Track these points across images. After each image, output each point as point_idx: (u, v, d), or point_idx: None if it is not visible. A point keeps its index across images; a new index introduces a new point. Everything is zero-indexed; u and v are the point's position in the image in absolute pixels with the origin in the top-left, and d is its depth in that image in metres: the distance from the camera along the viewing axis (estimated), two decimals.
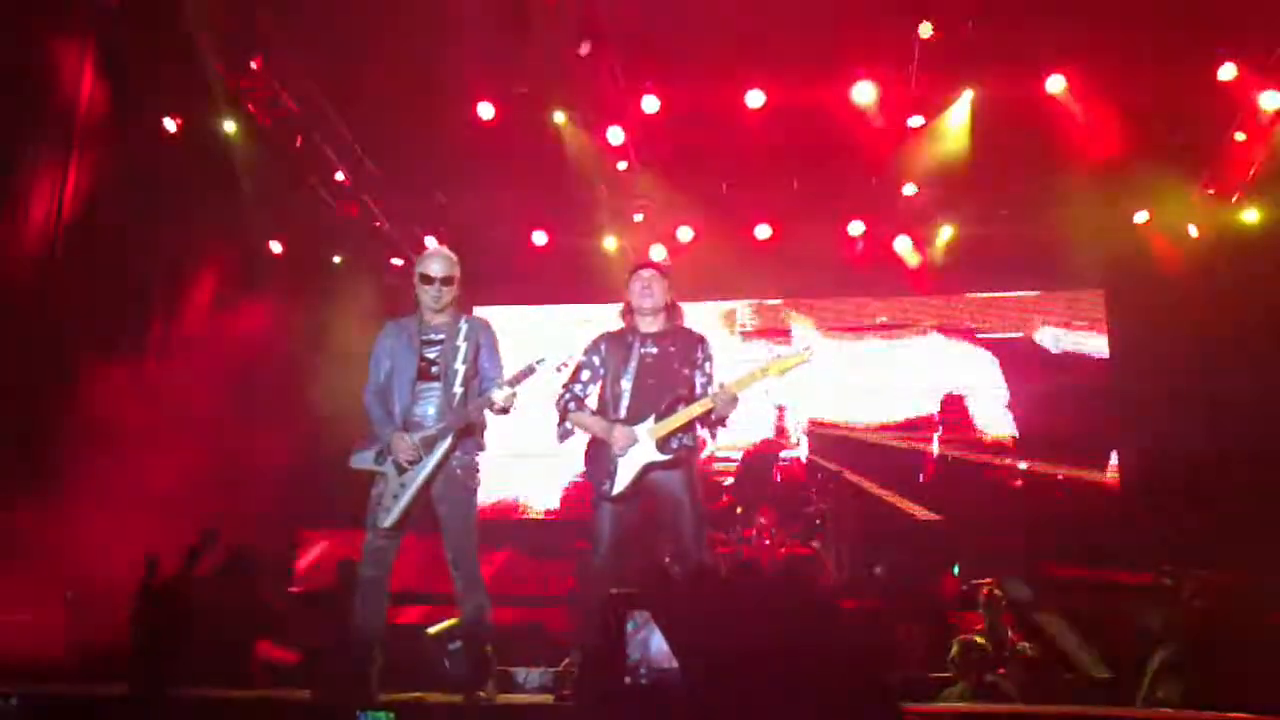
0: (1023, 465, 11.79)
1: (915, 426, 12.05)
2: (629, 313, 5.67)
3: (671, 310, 5.67)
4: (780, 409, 11.93)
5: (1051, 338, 12.17)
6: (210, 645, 6.82)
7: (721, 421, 5.49)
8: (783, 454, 11.35)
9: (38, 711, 4.71)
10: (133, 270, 9.71)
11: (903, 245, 11.86)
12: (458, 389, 5.43)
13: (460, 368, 5.45)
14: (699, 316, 11.59)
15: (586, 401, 5.56)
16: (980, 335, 12.35)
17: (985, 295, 12.51)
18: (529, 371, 5.37)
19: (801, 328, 12.36)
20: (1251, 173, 10.28)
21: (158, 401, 9.93)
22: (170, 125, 9.97)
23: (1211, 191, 10.66)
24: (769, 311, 12.71)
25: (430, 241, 11.61)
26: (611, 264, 11.86)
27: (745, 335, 12.52)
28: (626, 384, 5.45)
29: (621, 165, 10.85)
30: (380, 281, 12.06)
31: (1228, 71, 9.35)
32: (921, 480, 11.80)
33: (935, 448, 11.98)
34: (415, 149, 10.95)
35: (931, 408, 12.11)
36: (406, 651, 6.38)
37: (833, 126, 10.23)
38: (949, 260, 11.84)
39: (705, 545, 5.39)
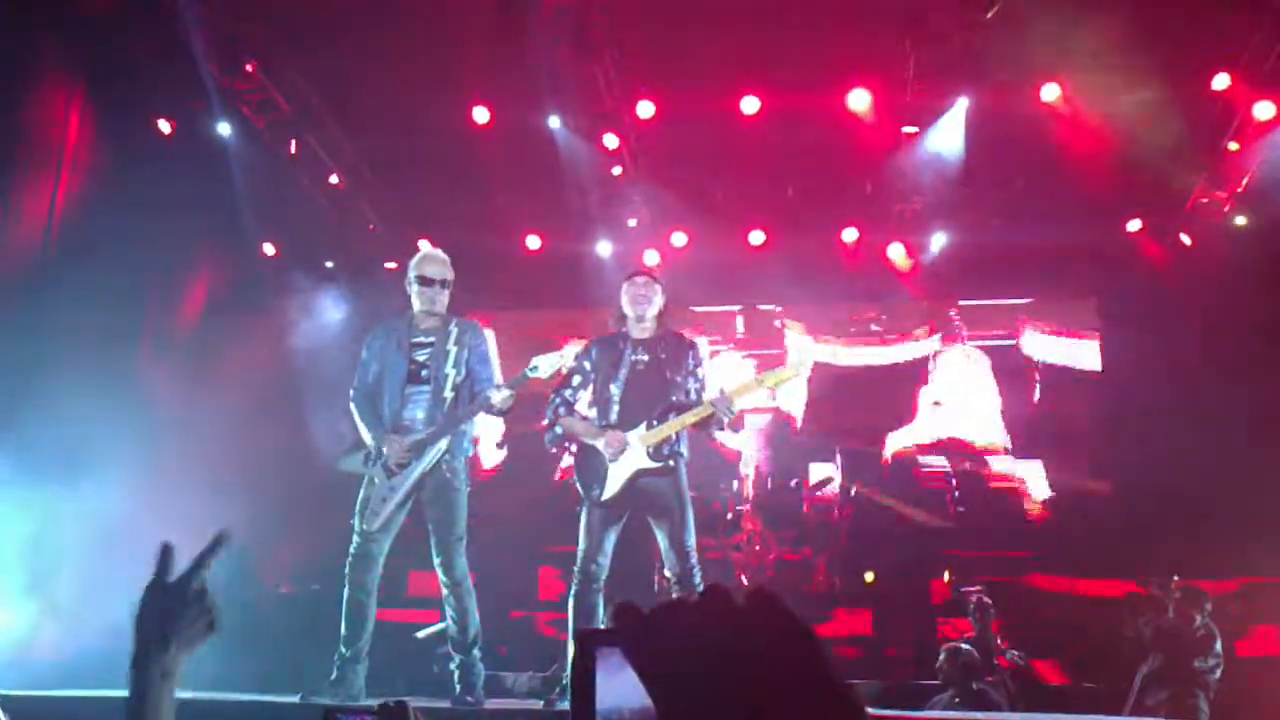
0: (1013, 471, 11.79)
1: (907, 433, 12.05)
2: (621, 318, 5.67)
3: (663, 316, 5.68)
4: (774, 414, 11.94)
5: (1043, 345, 12.18)
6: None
7: (720, 427, 5.50)
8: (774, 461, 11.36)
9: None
10: (125, 272, 9.69)
11: (896, 252, 11.87)
12: (448, 393, 5.42)
13: (450, 372, 5.44)
14: (692, 322, 11.64)
15: (577, 406, 5.57)
16: (972, 342, 12.36)
17: (978, 302, 12.52)
18: (522, 379, 5.38)
19: (794, 334, 12.36)
20: (1245, 182, 10.30)
21: (153, 403, 9.93)
22: (164, 127, 9.96)
23: (1205, 201, 10.68)
24: (762, 317, 12.71)
25: (424, 244, 11.60)
26: (605, 269, 11.86)
27: (738, 342, 12.51)
28: (616, 390, 5.45)
29: (616, 170, 10.86)
30: (372, 284, 12.05)
31: (1221, 81, 9.38)
32: (913, 487, 11.80)
33: (927, 455, 11.98)
34: (409, 153, 10.95)
35: (923, 414, 12.11)
36: (395, 654, 6.39)
37: (828, 133, 10.25)
38: (942, 267, 11.84)
39: (694, 550, 5.39)
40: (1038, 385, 12.05)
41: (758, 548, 9.94)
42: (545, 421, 5.66)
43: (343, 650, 5.34)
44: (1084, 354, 12.02)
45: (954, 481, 11.77)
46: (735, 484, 10.65)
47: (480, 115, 10.30)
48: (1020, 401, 12.02)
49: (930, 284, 12.05)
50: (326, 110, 10.50)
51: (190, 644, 1.84)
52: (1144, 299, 11.29)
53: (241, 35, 9.38)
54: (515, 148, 10.55)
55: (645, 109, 10.21)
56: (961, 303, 12.47)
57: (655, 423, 5.35)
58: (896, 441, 11.99)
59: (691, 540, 5.38)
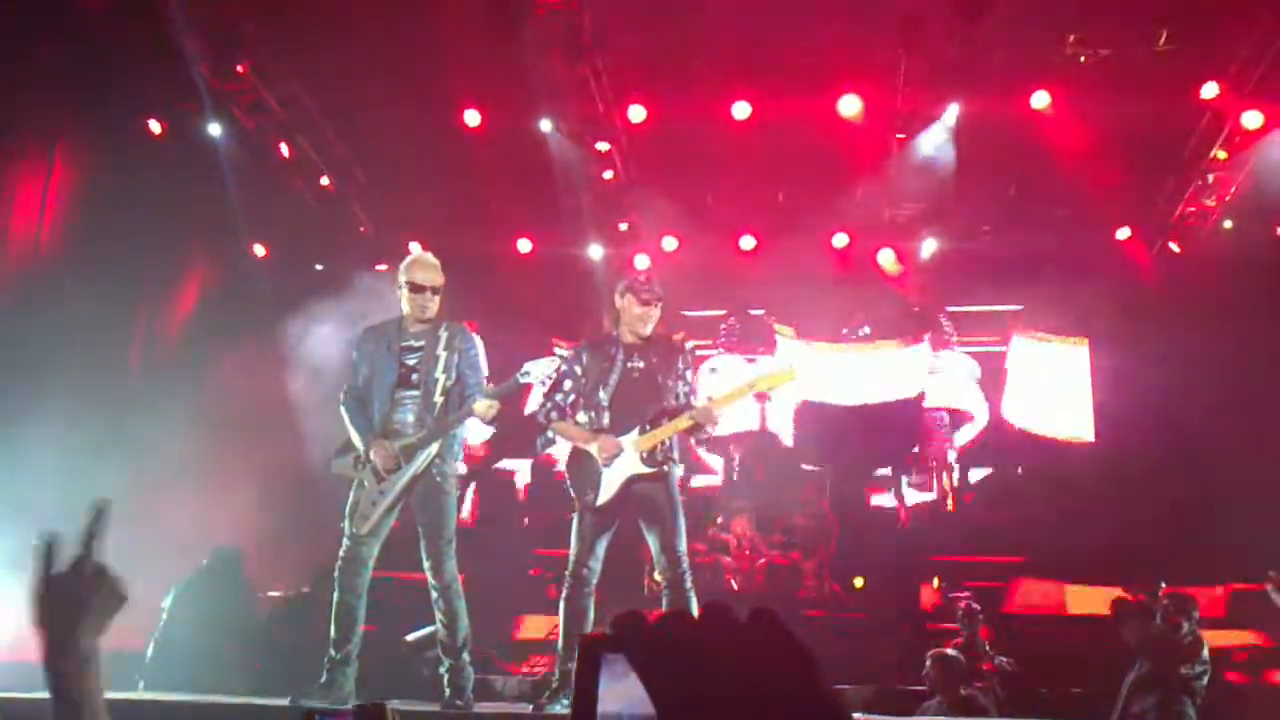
0: (1002, 475, 11.82)
1: (896, 436, 12.07)
2: (616, 323, 5.66)
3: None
4: (762, 416, 11.94)
5: (1033, 351, 12.21)
6: (191, 649, 6.82)
7: (704, 436, 5.52)
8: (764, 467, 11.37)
9: None
10: (117, 272, 9.67)
11: (886, 258, 11.90)
12: (438, 398, 5.42)
13: (440, 376, 5.43)
14: (682, 326, 11.65)
15: (568, 410, 5.56)
16: (962, 348, 12.39)
17: (967, 309, 12.56)
18: (513, 384, 5.38)
19: (785, 339, 12.37)
20: (1233, 190, 10.35)
21: (143, 403, 9.91)
22: (155, 128, 9.94)
23: (1193, 209, 10.73)
24: (753, 322, 12.71)
25: (414, 247, 11.58)
26: (596, 273, 11.86)
27: (728, 346, 12.52)
28: (606, 395, 5.44)
29: (607, 175, 10.86)
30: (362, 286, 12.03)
31: (1210, 90, 9.43)
32: (901, 491, 11.82)
33: (915, 459, 12.00)
34: (400, 155, 10.95)
35: (913, 418, 12.12)
36: (383, 657, 6.38)
37: (819, 139, 10.27)
38: (932, 273, 11.88)
39: (685, 555, 5.40)
40: (1026, 390, 12.08)
41: (748, 552, 9.95)
42: (538, 425, 5.67)
43: (332, 653, 5.34)
44: (1073, 359, 12.05)
45: (942, 485, 11.79)
46: (726, 489, 10.64)
47: (472, 118, 10.30)
48: (1009, 406, 12.05)
49: (920, 289, 12.08)
50: (318, 112, 10.49)
51: (103, 623, 1.82)
52: (1133, 306, 11.33)
53: (233, 36, 9.37)
54: (507, 151, 10.56)
55: (637, 113, 10.22)
56: (951, 308, 12.50)
57: (648, 428, 5.35)
58: (885, 445, 12.00)
59: (683, 545, 5.39)
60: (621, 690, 0.92)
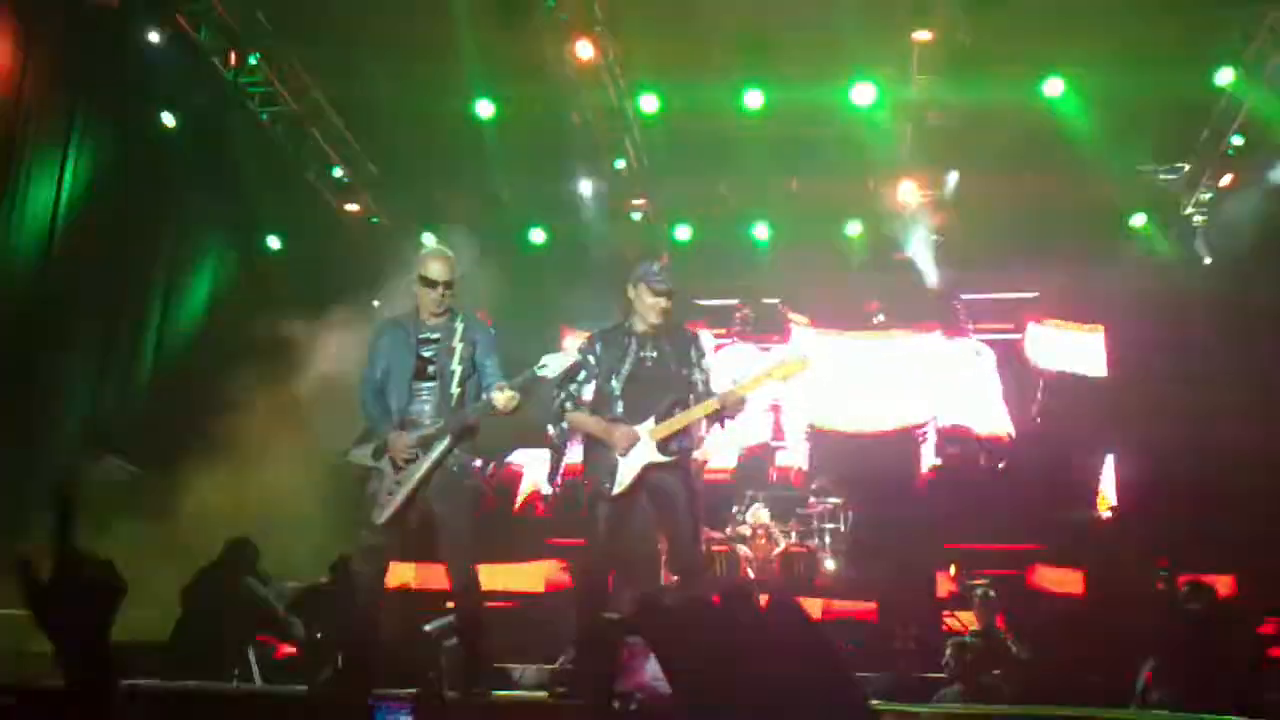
0: (1018, 463, 11.78)
1: (912, 424, 12.04)
2: (628, 313, 5.65)
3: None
4: (776, 408, 11.91)
5: (1049, 338, 12.15)
6: (209, 639, 6.84)
7: (723, 421, 5.51)
8: (779, 454, 11.35)
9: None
10: (131, 265, 9.71)
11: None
12: (455, 389, 5.42)
13: (457, 368, 5.44)
14: (696, 315, 11.65)
15: (582, 400, 5.56)
16: (977, 335, 12.34)
17: (983, 296, 12.51)
18: (530, 377, 5.38)
19: (798, 327, 12.34)
20: (1248, 176, 10.29)
21: (156, 394, 9.97)
22: (169, 120, 9.96)
23: (1208, 195, 10.67)
24: (766, 310, 12.68)
25: (428, 239, 11.60)
26: (610, 262, 11.86)
27: (742, 335, 12.49)
28: (618, 384, 5.44)
29: (620, 164, 10.85)
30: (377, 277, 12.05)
31: (1225, 76, 9.37)
32: (919, 479, 11.80)
33: (932, 446, 11.97)
34: (414, 145, 10.97)
35: (929, 406, 12.09)
36: (402, 646, 6.39)
37: (831, 126, 10.25)
38: (946, 260, 11.83)
39: (701, 544, 5.41)
40: (1041, 380, 12.02)
41: (764, 541, 9.95)
42: (551, 415, 5.66)
43: (349, 643, 5.36)
44: (1089, 347, 12.00)
45: (959, 474, 11.76)
46: (742, 478, 10.63)
47: (484, 108, 10.30)
48: (1025, 394, 12.00)
49: (934, 276, 12.04)
50: (331, 104, 10.51)
51: (108, 616, 1.81)
52: (1148, 293, 11.29)
53: (247, 29, 9.39)
54: (519, 141, 10.56)
55: (649, 102, 10.21)
56: (966, 296, 12.45)
57: (663, 417, 5.35)
58: (901, 434, 11.97)
59: (699, 533, 5.40)
60: (639, 670, 0.92)
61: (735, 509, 10.25)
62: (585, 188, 11.38)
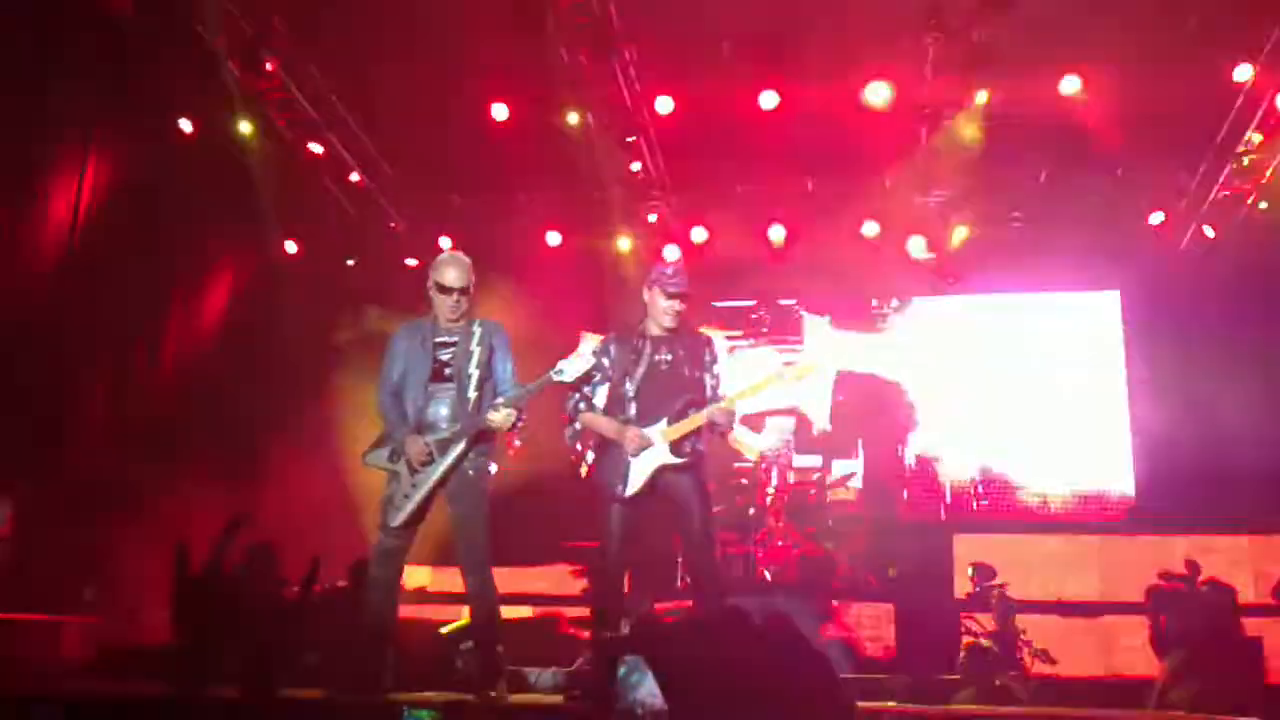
0: (1033, 464, 11.75)
1: (929, 428, 12.02)
2: (643, 316, 5.67)
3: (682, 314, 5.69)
4: (794, 411, 11.90)
5: (1065, 338, 12.11)
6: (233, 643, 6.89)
7: (722, 432, 5.55)
8: (796, 457, 11.34)
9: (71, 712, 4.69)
10: (149, 270, 9.78)
11: (916, 245, 11.81)
12: (472, 393, 5.45)
13: (474, 372, 5.47)
14: (712, 318, 11.66)
15: (595, 402, 5.58)
16: (993, 336, 12.31)
17: (999, 295, 12.48)
18: (546, 382, 5.41)
19: (815, 329, 12.33)
20: (1268, 174, 10.22)
21: (174, 399, 10.02)
22: (186, 126, 10.02)
23: (1227, 193, 10.60)
24: (782, 312, 12.67)
25: (445, 243, 11.64)
26: (625, 264, 11.88)
27: (758, 337, 12.49)
28: (632, 387, 5.46)
29: (635, 166, 10.86)
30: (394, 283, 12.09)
31: (1243, 72, 9.31)
32: (938, 480, 11.79)
33: (946, 449, 11.95)
34: (430, 150, 11.00)
35: (944, 410, 12.06)
36: (418, 649, 6.42)
37: (847, 127, 10.22)
38: (963, 262, 11.79)
39: (714, 547, 5.42)
40: (1059, 379, 11.99)
41: (780, 543, 9.94)
42: (565, 417, 5.69)
43: (367, 645, 5.38)
44: (1106, 347, 11.95)
45: (977, 475, 11.75)
46: (758, 481, 10.60)
47: (499, 112, 10.32)
48: (1042, 395, 11.97)
49: (951, 278, 11.99)
50: (347, 108, 10.55)
51: (232, 638, 1.87)
52: (1167, 292, 11.24)
53: (263, 34, 9.44)
54: (534, 144, 10.57)
55: (664, 104, 10.21)
56: (983, 296, 12.42)
57: (676, 419, 5.37)
58: (919, 437, 11.96)
59: (712, 535, 5.41)
60: (638, 687, 0.93)
61: (751, 511, 10.24)
62: (600, 190, 11.38)
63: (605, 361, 5.57)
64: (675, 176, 11.31)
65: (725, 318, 12.41)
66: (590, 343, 5.69)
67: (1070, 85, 9.59)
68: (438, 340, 5.55)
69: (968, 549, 9.40)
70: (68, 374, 8.90)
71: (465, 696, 5.33)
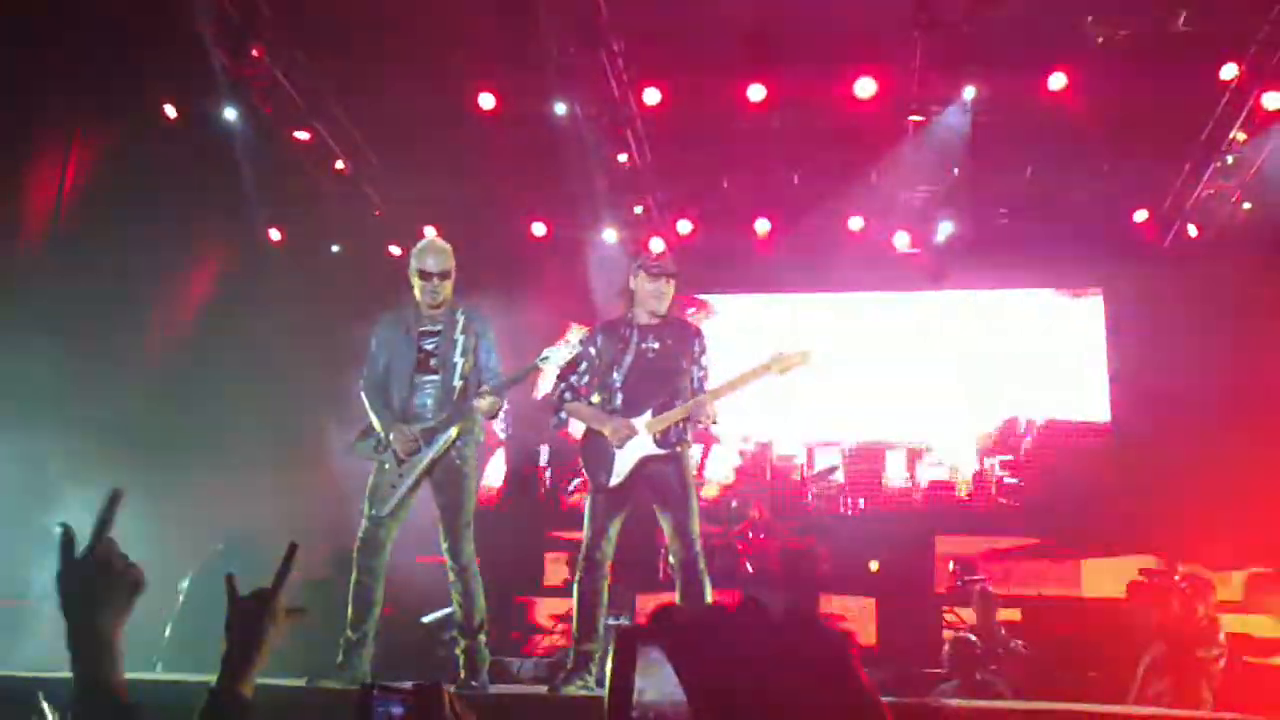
0: (1021, 461, 11.80)
1: (913, 420, 12.05)
2: (631, 305, 5.66)
3: (670, 304, 5.69)
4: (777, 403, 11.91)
5: (1049, 336, 12.16)
6: (209, 631, 6.86)
7: (701, 425, 5.54)
8: (777, 450, 11.35)
9: None
10: (131, 255, 9.71)
11: (902, 241, 11.85)
12: (457, 382, 5.45)
13: (459, 360, 5.46)
14: (697, 309, 11.65)
15: (582, 392, 5.57)
16: (980, 332, 12.35)
17: (984, 292, 12.52)
18: (530, 370, 5.40)
19: (801, 323, 12.34)
20: (1253, 172, 10.26)
21: (158, 389, 9.96)
22: (170, 112, 9.95)
23: (1212, 191, 10.64)
24: (768, 305, 12.69)
25: (429, 231, 11.58)
26: (611, 256, 11.85)
27: (744, 329, 12.49)
28: (619, 376, 5.46)
29: (622, 157, 10.83)
30: (378, 270, 12.04)
31: (1230, 71, 9.34)
32: (918, 475, 11.81)
33: (933, 442, 11.98)
34: (415, 138, 10.94)
35: (930, 403, 12.09)
36: (400, 638, 6.41)
37: (834, 121, 10.22)
38: (948, 257, 11.82)
39: (699, 538, 5.41)
40: (1043, 376, 12.03)
41: (763, 536, 9.96)
42: (551, 406, 5.69)
43: (349, 634, 5.38)
44: (1090, 345, 12.01)
45: (957, 469, 11.78)
46: (740, 473, 10.63)
47: (486, 101, 10.27)
48: (1026, 392, 12.02)
49: (936, 273, 12.02)
50: (333, 96, 10.49)
51: (119, 610, 1.87)
52: (1151, 289, 11.28)
53: (248, 21, 9.37)
54: (520, 134, 10.53)
55: (651, 95, 10.18)
56: (968, 292, 12.45)
57: (661, 409, 5.36)
58: (901, 430, 11.99)
59: (696, 527, 5.41)
60: (656, 679, 0.93)
61: (734, 503, 10.26)
62: (586, 181, 11.34)
63: (592, 350, 5.57)
64: (661, 168, 11.28)
65: (711, 309, 12.41)
66: (578, 334, 5.69)
67: (1057, 82, 9.60)
68: (421, 329, 5.54)
69: (949, 545, 9.44)
70: (48, 360, 8.82)
71: (447, 686, 5.33)
